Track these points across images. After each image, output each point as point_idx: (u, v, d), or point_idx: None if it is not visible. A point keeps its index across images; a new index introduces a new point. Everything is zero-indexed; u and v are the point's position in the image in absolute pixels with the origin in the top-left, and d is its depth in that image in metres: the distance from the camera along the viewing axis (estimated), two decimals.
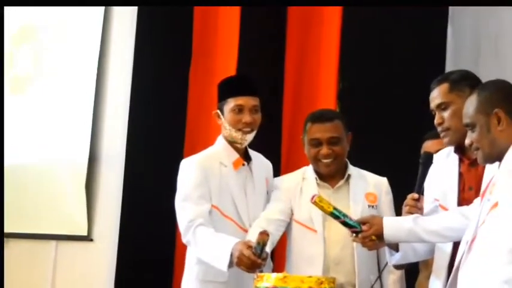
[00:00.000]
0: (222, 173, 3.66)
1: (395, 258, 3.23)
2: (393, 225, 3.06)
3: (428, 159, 3.27)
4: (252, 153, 3.82)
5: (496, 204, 2.57)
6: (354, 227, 3.11)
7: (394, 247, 3.22)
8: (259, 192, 3.76)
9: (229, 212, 3.63)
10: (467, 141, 2.78)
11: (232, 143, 3.72)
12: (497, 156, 2.70)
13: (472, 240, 2.66)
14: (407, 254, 3.22)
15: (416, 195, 3.19)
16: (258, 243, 3.22)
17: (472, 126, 2.74)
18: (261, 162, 3.86)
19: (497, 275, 2.45)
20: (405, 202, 3.21)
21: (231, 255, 3.35)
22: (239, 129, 3.66)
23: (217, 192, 3.63)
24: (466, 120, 2.77)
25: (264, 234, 3.19)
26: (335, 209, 3.12)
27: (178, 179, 3.69)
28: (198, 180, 3.60)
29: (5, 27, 5.69)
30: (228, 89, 3.73)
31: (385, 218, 3.11)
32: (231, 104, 3.66)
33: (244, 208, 3.67)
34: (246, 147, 3.78)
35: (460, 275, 2.67)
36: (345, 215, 3.13)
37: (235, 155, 3.72)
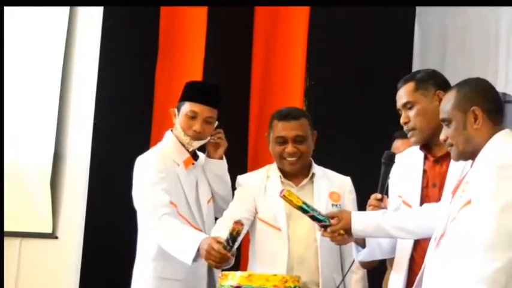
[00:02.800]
0: (176, 172, 3.68)
1: (362, 254, 3.24)
2: (361, 220, 3.06)
3: (391, 158, 3.27)
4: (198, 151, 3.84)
5: (469, 202, 2.57)
6: (322, 222, 3.10)
7: (361, 243, 3.23)
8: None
9: (183, 211, 3.64)
10: (442, 137, 2.78)
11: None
12: (470, 154, 2.72)
13: (441, 236, 2.67)
14: (373, 251, 3.23)
15: (379, 195, 3.20)
16: (231, 233, 3.18)
17: (448, 121, 2.75)
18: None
19: (471, 274, 2.45)
20: (369, 202, 3.22)
21: (198, 249, 3.34)
22: (187, 135, 3.68)
23: (174, 191, 3.63)
24: (442, 115, 2.77)
25: (239, 224, 3.16)
26: (304, 203, 3.10)
27: (135, 173, 3.67)
28: (159, 175, 3.60)
29: None
30: (189, 92, 3.74)
31: (353, 213, 3.11)
32: (186, 108, 3.68)
33: (196, 208, 3.70)
34: None
35: (426, 269, 2.68)
36: (313, 209, 3.11)
37: (186, 154, 3.73)
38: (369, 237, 3.16)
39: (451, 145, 2.75)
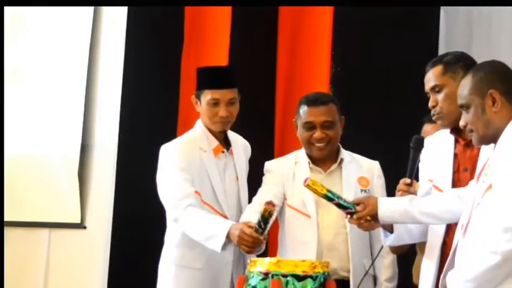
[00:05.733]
0: (202, 159, 3.66)
1: (390, 239, 3.20)
2: (388, 206, 3.04)
3: (419, 143, 3.25)
4: (231, 136, 3.80)
5: (490, 187, 2.56)
6: (348, 209, 3.08)
7: (389, 228, 3.20)
8: (241, 178, 3.77)
9: (208, 198, 3.63)
10: (461, 123, 2.76)
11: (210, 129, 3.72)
12: (491, 138, 2.69)
13: (467, 223, 2.66)
14: (402, 235, 3.19)
15: (408, 180, 3.18)
16: (263, 214, 3.17)
17: (466, 107, 2.72)
18: (241, 146, 3.85)
19: (487, 246, 2.47)
20: (398, 187, 3.19)
21: (228, 236, 3.35)
22: (215, 122, 3.65)
23: (198, 178, 3.62)
24: (460, 101, 2.75)
25: (270, 204, 3.15)
26: (328, 191, 3.08)
27: (160, 163, 3.68)
28: (182, 165, 3.60)
29: None
30: (205, 79, 3.71)
31: (380, 199, 3.08)
32: (207, 96, 3.64)
33: (222, 194, 3.67)
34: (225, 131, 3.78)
35: (456, 258, 2.67)
36: (339, 197, 3.09)
37: (215, 142, 3.71)
38: (396, 223, 3.14)
39: (471, 131, 2.73)
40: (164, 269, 3.72)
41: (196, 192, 3.58)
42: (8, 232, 5.49)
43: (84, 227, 5.56)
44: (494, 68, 2.76)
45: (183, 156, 3.62)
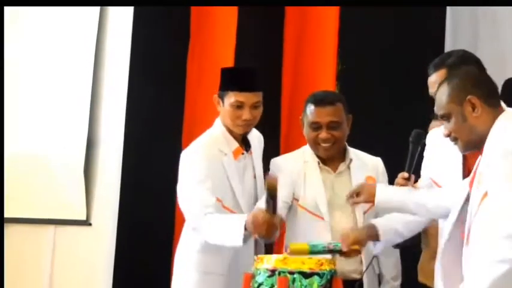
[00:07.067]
0: (223, 164, 3.59)
1: (378, 247, 3.28)
2: (386, 191, 3.08)
3: (419, 137, 3.25)
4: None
5: (486, 194, 2.56)
6: (334, 250, 3.20)
7: (375, 237, 3.28)
8: (258, 177, 3.73)
9: (228, 202, 3.57)
10: (445, 132, 2.76)
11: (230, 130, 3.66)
12: (476, 144, 2.70)
13: (469, 233, 2.65)
14: (390, 239, 3.28)
15: (406, 174, 3.19)
16: (268, 189, 3.13)
17: (447, 116, 2.73)
18: (256, 142, 3.80)
19: (494, 255, 2.44)
20: (396, 181, 3.21)
21: (245, 228, 3.31)
22: (238, 125, 3.58)
23: (219, 184, 3.55)
24: (440, 111, 2.75)
25: (273, 179, 3.11)
26: (311, 249, 3.13)
27: (181, 170, 3.60)
28: (204, 173, 3.51)
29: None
30: (230, 81, 3.60)
31: (378, 185, 3.15)
32: (231, 98, 3.54)
33: (241, 196, 3.62)
34: None
35: (464, 270, 2.66)
36: (323, 247, 3.17)
37: (235, 144, 3.64)
38: (391, 210, 3.14)
39: (456, 139, 2.73)
40: (182, 275, 3.64)
41: (217, 199, 3.51)
42: (13, 229, 5.51)
43: (90, 224, 5.56)
44: (470, 74, 2.77)
45: (203, 163, 3.53)
